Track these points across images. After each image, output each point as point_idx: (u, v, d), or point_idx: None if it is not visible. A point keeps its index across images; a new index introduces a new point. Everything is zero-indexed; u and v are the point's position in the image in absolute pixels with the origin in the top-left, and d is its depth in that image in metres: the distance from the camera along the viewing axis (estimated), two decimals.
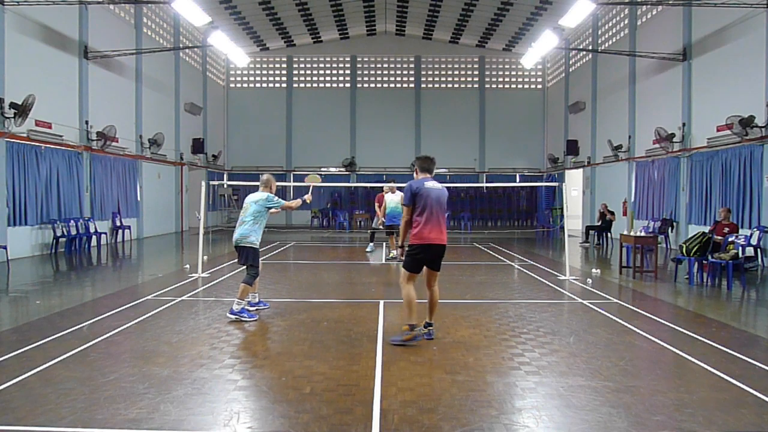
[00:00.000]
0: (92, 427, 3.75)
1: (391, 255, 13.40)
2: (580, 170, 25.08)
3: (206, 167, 25.91)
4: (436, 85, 30.24)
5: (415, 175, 6.16)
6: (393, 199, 13.23)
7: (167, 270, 11.60)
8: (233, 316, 6.79)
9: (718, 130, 14.60)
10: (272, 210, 7.36)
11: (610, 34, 22.19)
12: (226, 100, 29.98)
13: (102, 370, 4.93)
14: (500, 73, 30.24)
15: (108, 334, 6.10)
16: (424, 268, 5.97)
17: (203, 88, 26.49)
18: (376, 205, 14.64)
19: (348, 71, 30.07)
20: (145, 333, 6.24)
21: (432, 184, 5.92)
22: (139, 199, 19.78)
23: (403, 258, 6.06)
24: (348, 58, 30.00)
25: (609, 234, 18.21)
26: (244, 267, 7.25)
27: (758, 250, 12.23)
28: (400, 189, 14.09)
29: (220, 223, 27.74)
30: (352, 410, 4.04)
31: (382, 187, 14.55)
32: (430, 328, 6.04)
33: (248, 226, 7.08)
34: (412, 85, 30.11)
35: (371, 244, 15.21)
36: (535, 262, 13.23)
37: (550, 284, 9.84)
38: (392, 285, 9.77)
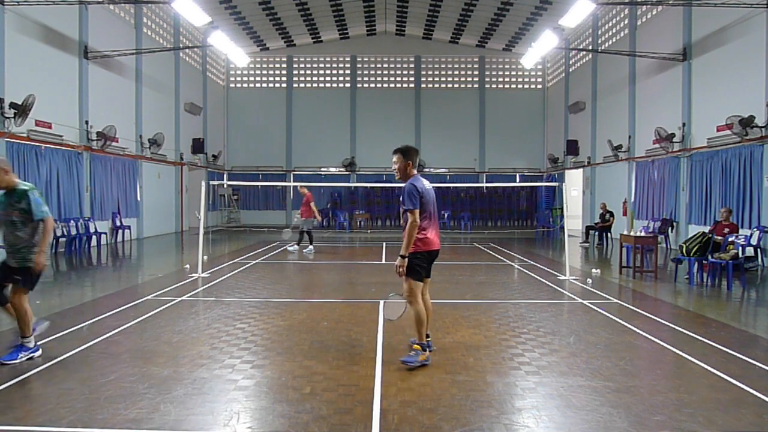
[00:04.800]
0: (92, 427, 3.75)
1: None
2: (580, 170, 25.08)
3: (206, 167, 25.91)
4: (436, 85, 30.25)
5: (407, 169, 5.27)
6: None
7: (167, 270, 11.60)
8: (24, 355, 5.11)
9: (718, 130, 14.60)
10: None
11: (610, 34, 22.19)
12: (226, 100, 29.99)
13: (102, 370, 4.92)
14: (500, 73, 30.24)
15: (108, 334, 6.10)
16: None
17: (203, 88, 26.49)
18: (313, 205, 15.03)
19: (348, 71, 30.07)
20: (145, 333, 6.24)
21: (428, 184, 5.37)
22: (139, 199, 19.78)
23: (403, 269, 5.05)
24: (348, 58, 30.00)
25: (609, 234, 18.21)
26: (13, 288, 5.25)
27: (758, 250, 12.24)
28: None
29: (220, 223, 27.75)
30: (352, 410, 4.04)
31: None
32: (428, 339, 5.56)
33: (27, 237, 5.20)
34: (412, 85, 30.11)
35: (311, 246, 15.12)
36: (535, 262, 13.23)
37: (550, 284, 9.84)
38: (392, 285, 9.76)
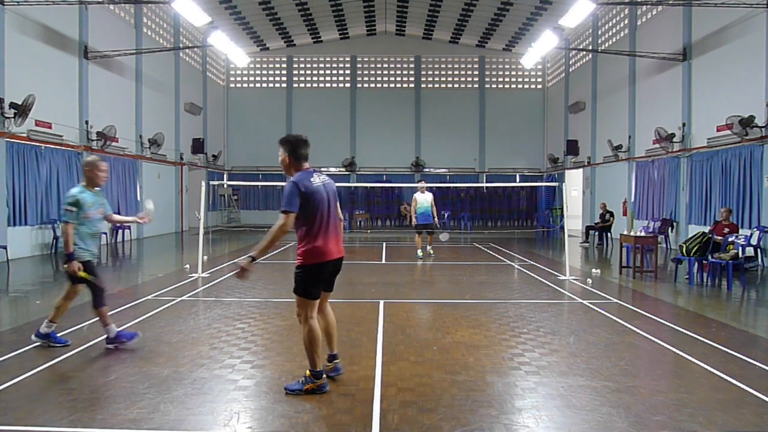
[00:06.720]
0: (92, 427, 3.75)
1: (428, 251, 13.77)
2: (580, 170, 25.08)
3: (206, 167, 25.91)
4: (436, 85, 30.24)
5: (288, 163, 4.46)
6: (426, 198, 13.49)
7: (167, 270, 11.60)
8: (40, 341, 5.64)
9: (718, 130, 14.60)
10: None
11: (610, 34, 22.19)
12: (226, 100, 29.98)
13: (102, 370, 4.93)
14: (500, 73, 30.24)
15: None
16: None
17: (203, 88, 26.49)
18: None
19: (348, 71, 30.07)
20: (145, 333, 6.23)
21: (322, 179, 4.50)
22: (139, 199, 19.78)
23: (296, 279, 4.37)
24: (348, 58, 30.00)
25: (609, 234, 18.22)
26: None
27: (758, 250, 12.23)
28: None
29: (220, 223, 27.75)
30: (352, 410, 4.04)
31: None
32: (336, 361, 4.72)
33: None
34: (412, 85, 30.10)
35: None
36: (535, 262, 13.23)
37: (550, 284, 9.84)
38: (392, 285, 9.78)
